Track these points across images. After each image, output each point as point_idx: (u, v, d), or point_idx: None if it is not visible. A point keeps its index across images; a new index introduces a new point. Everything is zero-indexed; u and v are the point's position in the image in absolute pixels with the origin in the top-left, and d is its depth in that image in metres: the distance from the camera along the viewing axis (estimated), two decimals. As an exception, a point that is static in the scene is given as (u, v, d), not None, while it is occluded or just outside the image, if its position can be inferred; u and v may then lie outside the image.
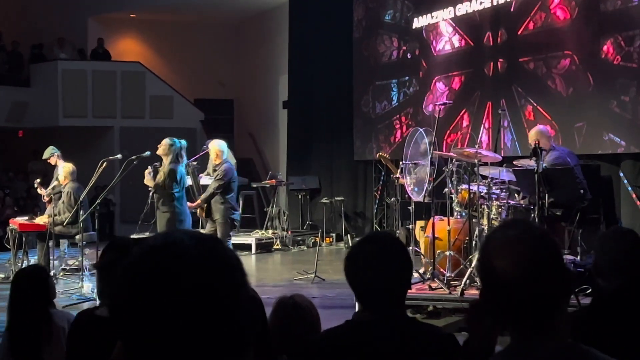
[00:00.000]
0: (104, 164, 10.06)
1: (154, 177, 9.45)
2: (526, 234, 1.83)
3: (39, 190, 11.99)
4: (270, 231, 15.45)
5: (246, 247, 14.65)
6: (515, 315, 1.79)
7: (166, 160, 9.46)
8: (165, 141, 9.58)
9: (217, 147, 10.24)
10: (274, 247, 15.08)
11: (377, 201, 15.22)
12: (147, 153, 9.98)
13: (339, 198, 15.80)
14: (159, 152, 9.56)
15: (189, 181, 12.53)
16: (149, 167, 9.60)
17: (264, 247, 14.93)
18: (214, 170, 10.17)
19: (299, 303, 3.49)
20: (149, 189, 9.55)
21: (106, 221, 18.49)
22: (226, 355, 1.29)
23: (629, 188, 10.26)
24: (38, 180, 12.34)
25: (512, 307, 1.78)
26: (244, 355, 1.32)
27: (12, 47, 20.90)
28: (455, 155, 8.58)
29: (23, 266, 11.16)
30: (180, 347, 1.26)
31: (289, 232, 15.59)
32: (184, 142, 9.73)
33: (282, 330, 3.39)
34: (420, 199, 8.57)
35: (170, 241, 1.32)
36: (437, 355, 2.79)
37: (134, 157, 9.88)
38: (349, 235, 15.27)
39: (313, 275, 10.85)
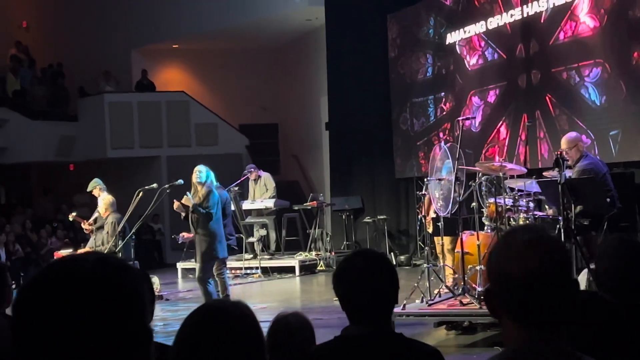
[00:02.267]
0: (140, 194, 10.24)
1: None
2: (538, 238, 1.86)
3: (82, 225, 12.19)
4: (313, 253, 15.51)
5: (290, 270, 14.74)
6: (519, 319, 1.82)
7: (200, 186, 9.55)
8: (197, 168, 9.69)
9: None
10: (318, 268, 15.12)
11: (419, 218, 15.18)
12: (180, 181, 10.12)
13: (381, 217, 15.80)
14: (193, 179, 9.66)
15: (231, 206, 12.69)
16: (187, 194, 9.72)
17: (308, 269, 14.99)
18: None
19: (291, 323, 3.56)
20: (182, 211, 9.56)
21: (154, 249, 18.78)
22: None
23: (666, 194, 10.11)
24: (74, 213, 12.56)
25: (517, 310, 1.82)
26: None
27: (59, 82, 21.36)
28: (481, 169, 8.58)
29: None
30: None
31: (333, 253, 15.62)
32: (211, 172, 9.76)
33: (273, 348, 3.46)
34: (447, 214, 8.58)
35: (73, 259, 1.39)
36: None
37: (166, 185, 10.03)
38: (392, 253, 15.24)
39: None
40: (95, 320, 1.31)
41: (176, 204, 9.53)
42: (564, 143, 8.33)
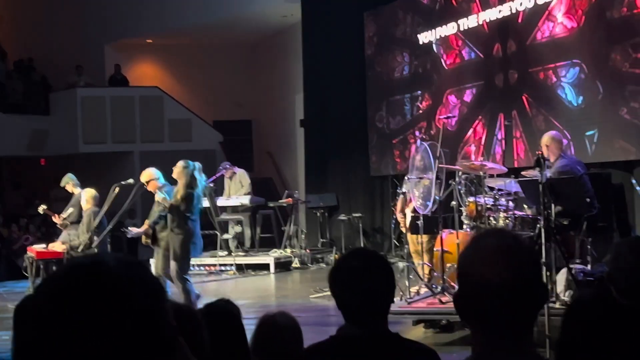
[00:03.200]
0: (116, 189, 10.13)
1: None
2: (509, 243, 1.83)
3: (53, 218, 12.09)
4: (288, 250, 15.48)
5: (265, 267, 14.70)
6: (488, 324, 1.80)
7: (181, 182, 9.44)
8: (179, 164, 9.56)
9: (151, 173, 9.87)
10: (293, 265, 15.08)
11: (394, 216, 15.19)
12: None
13: (356, 214, 15.79)
14: (174, 174, 9.54)
15: (205, 203, 12.62)
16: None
17: (283, 266, 14.94)
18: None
19: (278, 322, 3.53)
20: (162, 211, 9.51)
21: (129, 246, 18.62)
22: None
23: (642, 194, 10.20)
24: (44, 206, 12.47)
25: (487, 314, 1.79)
26: None
27: (32, 76, 21.18)
28: (461, 168, 8.60)
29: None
30: None
31: (308, 250, 15.61)
32: (198, 165, 9.73)
33: (260, 348, 3.43)
34: (427, 212, 8.59)
35: (95, 261, 1.36)
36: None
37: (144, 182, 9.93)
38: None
39: (330, 293, 10.82)
40: (125, 319, 1.30)
41: (159, 197, 9.45)
42: (546, 139, 8.36)
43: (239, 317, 3.21)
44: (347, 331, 2.86)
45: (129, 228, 10.59)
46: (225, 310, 3.18)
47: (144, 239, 9.99)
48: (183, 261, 9.31)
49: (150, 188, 9.67)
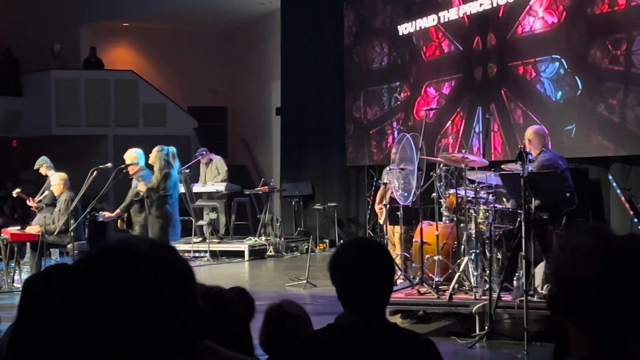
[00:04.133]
0: (94, 173, 10.08)
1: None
2: (608, 240, 1.77)
3: (28, 202, 12.02)
4: (263, 238, 15.45)
5: (239, 254, 14.68)
6: (586, 325, 1.78)
7: (156, 167, 9.52)
8: (155, 149, 9.65)
9: (134, 155, 10.04)
10: (267, 253, 15.06)
11: (369, 207, 15.23)
12: (137, 162, 10.01)
13: (332, 204, 15.82)
14: (150, 160, 9.63)
15: (181, 188, 12.57)
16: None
17: (257, 254, 14.93)
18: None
19: (285, 310, 3.51)
20: (139, 195, 9.55)
21: (99, 230, 18.50)
22: (176, 353, 1.33)
23: (618, 191, 10.30)
24: (18, 189, 12.40)
25: (584, 316, 1.74)
26: (192, 352, 1.37)
27: (4, 56, 20.93)
28: (442, 160, 8.63)
29: (16, 276, 11.23)
30: (130, 345, 1.29)
31: (282, 239, 15.60)
32: (172, 149, 9.76)
33: (271, 339, 3.42)
34: (408, 204, 8.62)
35: (126, 244, 1.36)
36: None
37: (123, 165, 9.90)
38: (342, 241, 15.25)
39: (305, 282, 10.88)
40: (155, 302, 1.32)
41: (140, 185, 9.47)
42: (529, 133, 8.40)
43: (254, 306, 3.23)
44: (346, 319, 2.87)
45: (100, 212, 10.53)
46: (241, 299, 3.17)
47: (119, 223, 10.00)
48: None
49: (130, 170, 9.70)
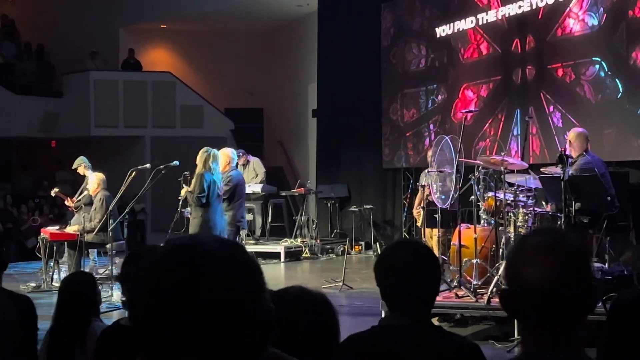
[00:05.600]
0: (133, 174, 10.15)
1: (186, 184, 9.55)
2: (558, 242, 1.80)
3: (66, 202, 12.12)
4: (299, 239, 15.46)
5: (275, 256, 14.69)
6: (535, 323, 1.78)
7: (197, 169, 9.55)
8: (201, 151, 9.66)
9: (228, 154, 10.15)
10: (303, 255, 15.06)
11: (405, 209, 15.19)
12: (176, 162, 10.05)
13: (367, 206, 15.79)
14: (197, 160, 9.64)
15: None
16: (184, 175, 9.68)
17: (293, 256, 14.94)
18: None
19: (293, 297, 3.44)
20: (179, 197, 9.62)
21: (137, 230, 18.66)
22: (242, 354, 1.33)
23: (659, 195, 10.16)
24: (57, 189, 12.50)
25: (534, 314, 1.77)
26: (258, 354, 1.37)
27: (44, 58, 21.17)
28: (481, 162, 8.58)
29: (55, 275, 11.33)
30: (198, 344, 1.30)
31: (318, 241, 15.60)
32: (215, 151, 9.76)
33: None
34: (446, 206, 8.57)
35: (195, 242, 1.37)
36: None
37: (162, 166, 9.96)
38: (377, 243, 15.22)
39: (341, 284, 10.86)
40: (223, 298, 1.32)
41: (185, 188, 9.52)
42: (572, 135, 8.35)
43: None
44: (391, 322, 2.85)
45: (187, 209, 10.47)
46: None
47: None
48: None
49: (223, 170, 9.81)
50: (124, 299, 3.73)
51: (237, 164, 10.19)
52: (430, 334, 2.83)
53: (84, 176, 11.99)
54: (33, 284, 11.49)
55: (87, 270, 11.25)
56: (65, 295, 4.30)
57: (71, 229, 11.20)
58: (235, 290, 1.32)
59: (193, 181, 9.49)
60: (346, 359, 2.82)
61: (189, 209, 10.05)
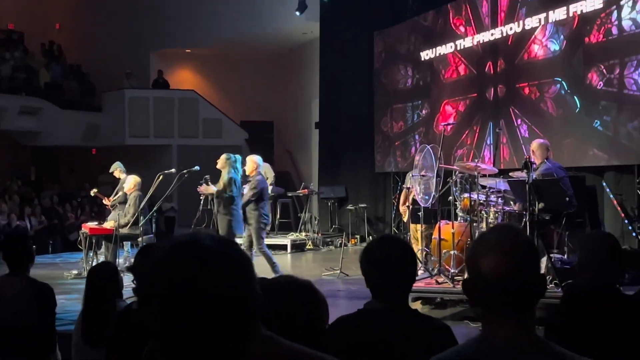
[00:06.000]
0: (160, 177, 10.14)
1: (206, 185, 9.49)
2: (512, 237, 1.79)
3: (103, 200, 12.11)
4: (303, 233, 15.46)
5: (282, 247, 14.68)
6: (491, 308, 1.77)
7: (224, 172, 9.43)
8: (223, 156, 9.57)
9: (255, 161, 10.14)
10: (307, 247, 15.06)
11: (394, 207, 15.16)
12: (197, 167, 10.03)
13: (362, 205, 15.78)
14: (218, 165, 9.53)
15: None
16: (205, 178, 9.63)
17: (298, 247, 14.94)
18: (248, 181, 10.05)
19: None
20: (206, 195, 9.48)
21: (167, 225, 18.66)
22: (235, 337, 1.32)
23: (611, 196, 10.13)
24: (95, 190, 12.50)
25: (490, 300, 1.75)
26: (249, 339, 1.35)
27: (87, 78, 21.22)
28: (458, 168, 8.56)
29: (94, 264, 11.31)
30: (199, 332, 1.29)
31: (320, 234, 15.59)
32: (238, 157, 9.73)
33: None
34: (428, 205, 8.56)
35: (195, 240, 1.35)
36: (435, 343, 2.80)
37: (185, 171, 9.95)
38: (371, 237, 15.20)
39: (339, 272, 10.85)
40: (217, 287, 1.31)
41: (202, 188, 9.45)
42: (534, 145, 8.32)
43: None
44: (373, 305, 2.84)
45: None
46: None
47: None
48: (230, 238, 9.25)
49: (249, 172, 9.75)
50: (134, 286, 3.70)
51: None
52: (407, 316, 2.83)
53: (120, 179, 11.99)
54: (75, 272, 11.50)
55: (121, 259, 11.31)
56: (91, 282, 4.32)
57: (108, 224, 11.20)
58: (234, 282, 1.31)
59: (223, 182, 9.38)
60: (335, 336, 2.81)
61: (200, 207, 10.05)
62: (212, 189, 9.30)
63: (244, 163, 9.87)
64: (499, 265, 1.72)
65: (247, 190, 9.77)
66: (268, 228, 10.21)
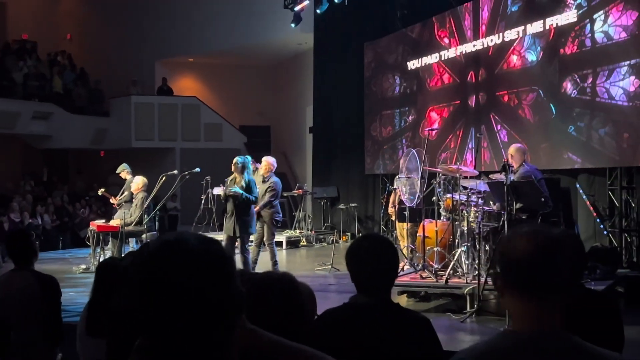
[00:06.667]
0: (164, 178, 10.12)
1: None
2: (535, 230, 1.74)
3: (110, 200, 12.07)
4: (297, 231, 15.45)
5: (278, 244, 14.54)
6: (523, 294, 1.70)
7: (240, 176, 9.18)
8: (236, 161, 9.32)
9: (270, 162, 9.99)
10: (301, 243, 15.06)
11: (383, 207, 15.16)
12: (197, 169, 10.00)
13: (353, 204, 15.77)
14: (233, 169, 9.29)
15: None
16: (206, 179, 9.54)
17: (293, 244, 14.93)
18: (264, 182, 9.87)
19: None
20: (232, 196, 9.16)
21: (170, 223, 18.63)
22: (217, 331, 1.31)
23: (584, 197, 10.17)
24: (102, 189, 12.43)
25: (517, 283, 1.71)
26: (231, 332, 1.34)
27: (95, 85, 21.17)
28: (441, 170, 8.56)
29: (101, 259, 11.29)
30: (177, 324, 1.27)
31: (313, 232, 15.58)
32: (249, 158, 9.63)
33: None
34: (413, 205, 8.55)
35: (180, 239, 1.34)
36: (415, 333, 2.80)
37: (186, 172, 9.92)
38: (360, 234, 15.13)
39: (330, 267, 10.84)
40: (200, 283, 1.30)
41: (220, 191, 9.29)
42: (512, 149, 8.31)
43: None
44: (358, 300, 2.84)
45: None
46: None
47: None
48: (247, 237, 9.21)
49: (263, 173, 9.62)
50: None
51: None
52: (389, 310, 2.82)
53: (126, 179, 11.95)
54: (83, 266, 11.47)
55: (127, 255, 11.22)
56: (99, 276, 4.31)
57: (114, 222, 11.17)
58: (208, 275, 1.30)
59: (244, 184, 9.10)
60: (322, 328, 2.81)
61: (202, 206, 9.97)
62: (239, 192, 9.08)
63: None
64: (527, 248, 1.69)
65: (260, 189, 9.50)
66: (279, 225, 10.11)
